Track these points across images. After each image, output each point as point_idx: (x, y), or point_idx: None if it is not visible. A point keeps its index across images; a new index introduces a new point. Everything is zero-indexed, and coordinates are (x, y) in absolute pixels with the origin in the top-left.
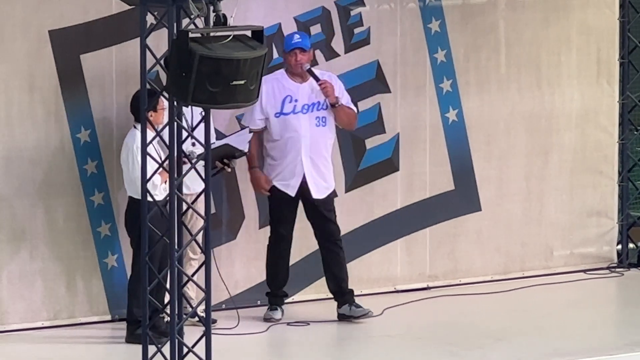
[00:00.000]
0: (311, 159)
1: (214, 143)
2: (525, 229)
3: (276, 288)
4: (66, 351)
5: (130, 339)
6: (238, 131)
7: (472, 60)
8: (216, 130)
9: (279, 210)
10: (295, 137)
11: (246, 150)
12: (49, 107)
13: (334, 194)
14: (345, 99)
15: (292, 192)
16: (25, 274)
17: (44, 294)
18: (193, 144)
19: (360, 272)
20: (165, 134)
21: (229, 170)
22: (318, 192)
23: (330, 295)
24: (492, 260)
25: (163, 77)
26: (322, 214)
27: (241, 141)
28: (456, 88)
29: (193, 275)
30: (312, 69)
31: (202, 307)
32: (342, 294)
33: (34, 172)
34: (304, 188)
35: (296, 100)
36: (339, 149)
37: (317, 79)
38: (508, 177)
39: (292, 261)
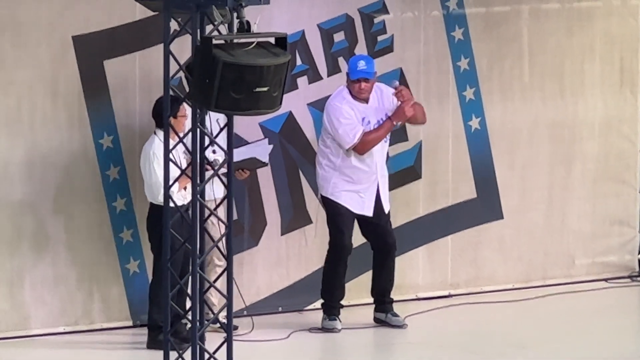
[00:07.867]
0: (382, 176)
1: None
2: (548, 237)
3: (335, 301)
4: (87, 356)
5: (152, 344)
6: (256, 141)
7: (496, 68)
8: (237, 136)
9: (345, 222)
10: (369, 157)
11: (267, 162)
12: (72, 113)
13: None
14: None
15: (368, 212)
16: (47, 280)
17: (65, 299)
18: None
19: None
20: (186, 140)
21: (241, 178)
22: (387, 205)
23: (352, 303)
24: (514, 268)
25: (186, 83)
26: (384, 226)
27: (263, 153)
28: (479, 96)
29: (215, 281)
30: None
31: (224, 313)
32: (383, 302)
33: (57, 177)
34: (376, 205)
35: (369, 122)
36: None
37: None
38: (530, 185)
39: (315, 267)
